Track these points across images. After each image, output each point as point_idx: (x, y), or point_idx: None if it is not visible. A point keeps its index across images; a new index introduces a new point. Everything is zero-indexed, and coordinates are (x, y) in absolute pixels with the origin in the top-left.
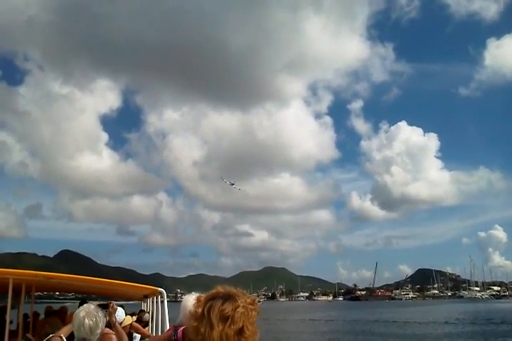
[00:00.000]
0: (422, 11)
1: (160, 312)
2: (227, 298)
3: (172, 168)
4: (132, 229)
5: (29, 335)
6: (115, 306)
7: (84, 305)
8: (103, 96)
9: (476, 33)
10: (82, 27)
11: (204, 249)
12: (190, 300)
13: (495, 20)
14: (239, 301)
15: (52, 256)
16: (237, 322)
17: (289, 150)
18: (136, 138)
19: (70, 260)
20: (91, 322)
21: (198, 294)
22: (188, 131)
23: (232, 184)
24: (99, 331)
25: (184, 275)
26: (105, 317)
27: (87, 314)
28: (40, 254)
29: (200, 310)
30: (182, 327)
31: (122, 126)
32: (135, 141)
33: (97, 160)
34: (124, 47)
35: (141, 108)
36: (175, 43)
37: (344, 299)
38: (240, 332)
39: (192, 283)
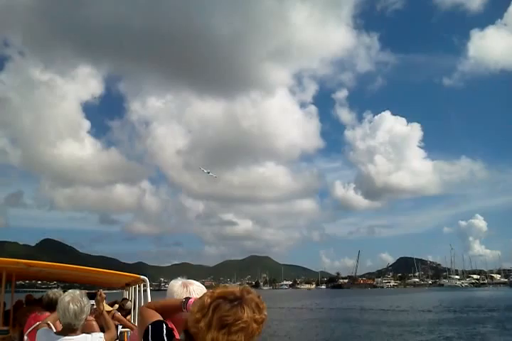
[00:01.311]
0: (408, 1)
1: (142, 301)
2: (237, 304)
3: (156, 157)
4: (115, 218)
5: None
6: (103, 294)
7: (69, 290)
8: (85, 83)
9: (461, 24)
10: (64, 12)
11: (188, 237)
12: (176, 285)
13: (479, 12)
14: (244, 313)
15: (33, 244)
16: (231, 334)
17: (273, 139)
18: (119, 126)
19: (52, 249)
20: (76, 307)
21: (184, 279)
22: (172, 119)
23: (208, 172)
24: (84, 316)
25: (168, 264)
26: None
27: (72, 299)
28: (21, 243)
29: (208, 301)
30: (192, 298)
31: (105, 114)
32: (118, 128)
33: (79, 148)
34: (107, 33)
35: (124, 95)
36: (160, 30)
37: (327, 287)
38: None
39: (176, 272)
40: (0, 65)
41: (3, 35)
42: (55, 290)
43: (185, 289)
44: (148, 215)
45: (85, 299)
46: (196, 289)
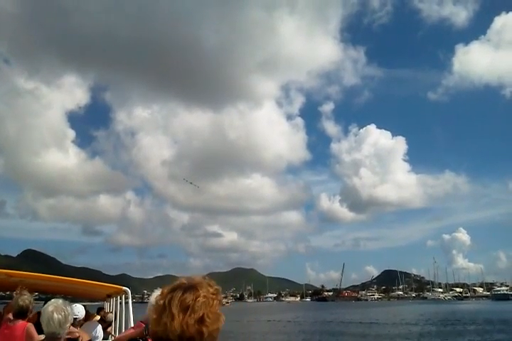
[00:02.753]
0: (394, 16)
1: (124, 312)
2: (189, 288)
3: (141, 167)
4: (98, 229)
5: None
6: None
7: (52, 300)
8: (70, 92)
9: (446, 39)
10: (51, 20)
11: (172, 249)
12: (157, 293)
13: (464, 27)
14: (200, 291)
15: (15, 255)
16: (197, 311)
17: (260, 151)
18: (104, 136)
19: (33, 260)
20: (60, 316)
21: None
22: (158, 130)
23: (191, 182)
24: (68, 325)
25: (151, 276)
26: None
27: (56, 308)
28: (3, 254)
29: (161, 302)
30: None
31: (90, 124)
32: (103, 138)
33: (63, 158)
34: (93, 42)
35: (109, 105)
36: (147, 39)
37: (311, 300)
38: (201, 320)
39: (159, 284)
40: None
41: None
42: (25, 296)
43: None
44: (132, 226)
45: (69, 308)
46: None
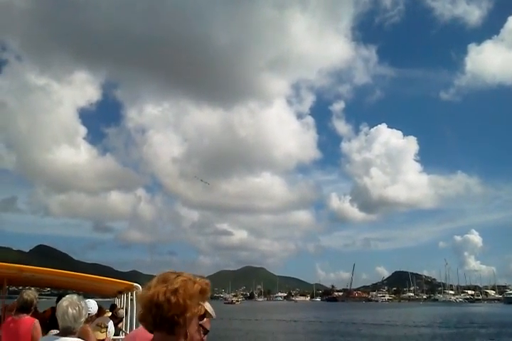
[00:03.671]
0: (406, 14)
1: (135, 308)
2: (175, 272)
3: (151, 164)
4: (109, 225)
5: None
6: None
7: (67, 295)
8: (82, 88)
9: (459, 38)
10: (62, 16)
11: (182, 247)
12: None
13: (477, 26)
14: (184, 275)
15: (27, 250)
16: (173, 284)
17: (270, 150)
18: (115, 133)
19: (45, 255)
20: (74, 311)
21: None
22: (169, 128)
23: (201, 179)
24: (82, 319)
25: None
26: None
27: (70, 303)
28: (15, 249)
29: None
30: None
31: (101, 120)
32: (114, 135)
33: (75, 154)
34: (105, 39)
35: (121, 102)
36: (158, 37)
37: (322, 300)
38: (174, 291)
39: None
40: None
41: (1, 39)
42: (29, 291)
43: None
44: (143, 223)
45: (83, 303)
46: None
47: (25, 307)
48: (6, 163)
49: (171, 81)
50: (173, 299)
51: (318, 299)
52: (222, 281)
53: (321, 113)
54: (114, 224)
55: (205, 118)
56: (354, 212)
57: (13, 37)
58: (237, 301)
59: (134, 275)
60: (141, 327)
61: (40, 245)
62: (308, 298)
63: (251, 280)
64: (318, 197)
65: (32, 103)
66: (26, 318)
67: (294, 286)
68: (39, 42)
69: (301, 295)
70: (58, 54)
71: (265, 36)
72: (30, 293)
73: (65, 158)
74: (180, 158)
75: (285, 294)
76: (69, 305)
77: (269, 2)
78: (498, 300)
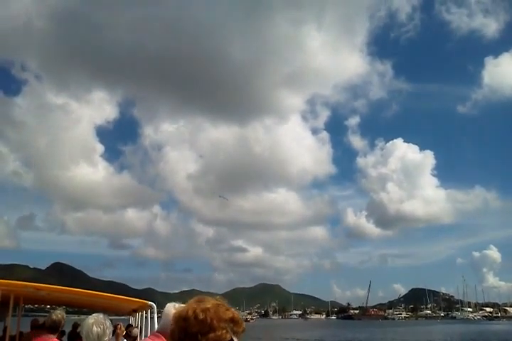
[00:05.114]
0: (422, 29)
1: (149, 327)
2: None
3: (167, 181)
4: (125, 243)
5: None
6: (122, 328)
7: (94, 314)
8: (99, 107)
9: (475, 52)
10: (81, 36)
11: (197, 263)
12: (171, 306)
13: (494, 39)
14: (221, 301)
15: (44, 268)
16: (205, 304)
17: (285, 165)
18: (132, 151)
19: (61, 273)
20: (99, 330)
21: (179, 303)
22: (184, 144)
23: (220, 196)
24: (106, 338)
25: (177, 291)
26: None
27: (96, 321)
28: (32, 266)
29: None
30: None
31: (118, 138)
32: (130, 153)
33: (92, 172)
34: (122, 58)
35: (137, 120)
36: (174, 55)
37: (337, 318)
38: (205, 309)
39: (184, 299)
40: (17, 89)
41: (21, 59)
42: (58, 311)
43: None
44: (158, 240)
45: (107, 322)
46: None
47: (54, 328)
48: (25, 181)
49: (187, 98)
50: (201, 315)
51: (333, 317)
52: (237, 299)
53: (336, 128)
54: (130, 241)
55: (220, 134)
56: (370, 227)
57: (32, 57)
58: (252, 319)
59: (149, 293)
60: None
61: (57, 263)
62: (324, 316)
63: (266, 298)
64: (333, 213)
65: (51, 122)
66: (53, 339)
67: (309, 304)
68: (57, 62)
69: (316, 313)
70: (76, 73)
71: (281, 52)
72: (58, 314)
73: (83, 175)
74: (196, 174)
75: (300, 312)
76: (94, 322)
77: (286, 19)
78: None
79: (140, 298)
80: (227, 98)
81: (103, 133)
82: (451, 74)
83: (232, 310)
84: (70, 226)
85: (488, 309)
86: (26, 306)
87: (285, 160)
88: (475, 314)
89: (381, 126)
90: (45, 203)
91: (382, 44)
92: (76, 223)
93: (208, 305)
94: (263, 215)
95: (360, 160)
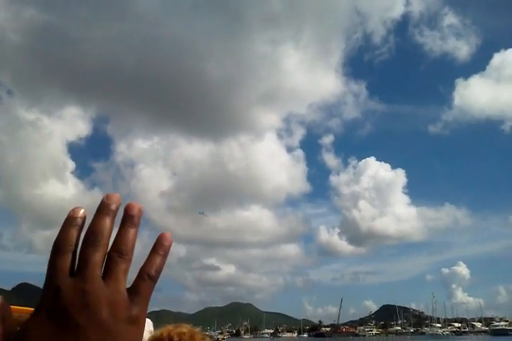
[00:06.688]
0: (396, 51)
1: None
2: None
3: (139, 199)
4: None
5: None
6: None
7: None
8: (72, 123)
9: (447, 74)
10: (54, 51)
11: (168, 283)
12: (145, 332)
13: (466, 61)
14: (198, 329)
15: (10, 289)
16: (182, 328)
17: (260, 183)
18: (104, 168)
19: (28, 293)
20: None
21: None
22: (158, 162)
23: (200, 213)
24: None
25: (147, 312)
26: None
27: None
28: None
29: None
30: None
31: (90, 155)
32: (102, 170)
33: (62, 189)
34: (97, 73)
35: (110, 137)
36: (150, 71)
37: (309, 336)
38: (180, 333)
39: (154, 320)
40: None
41: None
42: None
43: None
44: None
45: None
46: (148, 327)
47: None
48: None
49: (162, 115)
50: (175, 338)
51: (305, 335)
52: (209, 318)
53: (311, 146)
54: None
55: (194, 152)
56: (343, 245)
57: (5, 72)
58: (223, 339)
59: None
60: None
61: (23, 283)
62: (296, 334)
63: (238, 317)
64: (307, 231)
65: (21, 138)
66: None
67: (281, 322)
68: (30, 77)
69: (288, 332)
70: (49, 88)
71: (258, 71)
72: None
73: (52, 193)
74: (169, 192)
75: (272, 330)
76: None
77: (264, 38)
78: (485, 332)
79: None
80: (203, 115)
81: (75, 150)
82: (424, 95)
83: (208, 339)
84: (38, 245)
85: (456, 324)
86: None
87: (260, 177)
88: (444, 329)
89: (354, 145)
90: (13, 222)
91: (358, 65)
92: (45, 242)
93: (184, 330)
94: (236, 233)
95: (334, 178)
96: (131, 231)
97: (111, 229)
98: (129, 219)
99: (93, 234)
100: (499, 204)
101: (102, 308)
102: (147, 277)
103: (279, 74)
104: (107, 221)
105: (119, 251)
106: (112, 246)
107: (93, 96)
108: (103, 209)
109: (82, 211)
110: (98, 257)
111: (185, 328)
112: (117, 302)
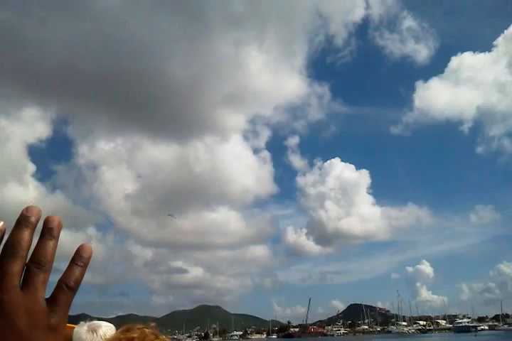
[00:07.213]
0: (358, 54)
1: None
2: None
3: (103, 202)
4: (58, 267)
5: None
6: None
7: (81, 322)
8: (31, 125)
9: (407, 76)
10: (11, 51)
11: (135, 287)
12: (82, 332)
13: (425, 64)
14: (150, 328)
15: None
16: (132, 333)
17: (227, 184)
18: (65, 170)
19: None
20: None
21: (88, 322)
22: (122, 164)
23: (169, 214)
24: None
25: (112, 316)
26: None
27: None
28: None
29: None
30: None
31: (51, 157)
32: (64, 172)
33: (22, 192)
34: (56, 73)
35: (72, 138)
36: (112, 72)
37: (278, 337)
38: (130, 339)
39: (121, 324)
40: None
41: None
42: None
43: (94, 335)
44: (93, 263)
45: (101, 331)
46: (107, 331)
47: None
48: None
49: (125, 116)
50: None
51: (274, 336)
52: (177, 322)
53: (276, 148)
54: (62, 265)
55: (159, 153)
56: (310, 245)
57: None
58: None
59: (83, 319)
60: None
61: None
62: (265, 335)
63: (206, 320)
64: (275, 232)
65: None
66: None
67: (250, 324)
68: None
69: (257, 333)
70: (6, 89)
71: (222, 72)
72: None
73: (12, 196)
74: (134, 194)
75: (241, 332)
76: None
77: (227, 39)
78: (449, 329)
79: (73, 324)
80: (167, 116)
81: (35, 152)
82: (385, 97)
83: (163, 337)
84: None
85: (421, 322)
86: None
87: (226, 179)
88: (409, 328)
89: (320, 146)
90: None
91: (321, 67)
92: None
93: (134, 335)
94: (204, 235)
95: (300, 179)
96: (50, 243)
97: (30, 241)
98: (48, 231)
99: (12, 246)
100: (460, 204)
101: (20, 317)
102: (65, 287)
103: (243, 75)
104: (26, 233)
105: (37, 262)
106: (30, 258)
107: (53, 96)
108: (22, 221)
109: (36, 209)
110: (16, 268)
111: (135, 333)
112: (36, 312)
